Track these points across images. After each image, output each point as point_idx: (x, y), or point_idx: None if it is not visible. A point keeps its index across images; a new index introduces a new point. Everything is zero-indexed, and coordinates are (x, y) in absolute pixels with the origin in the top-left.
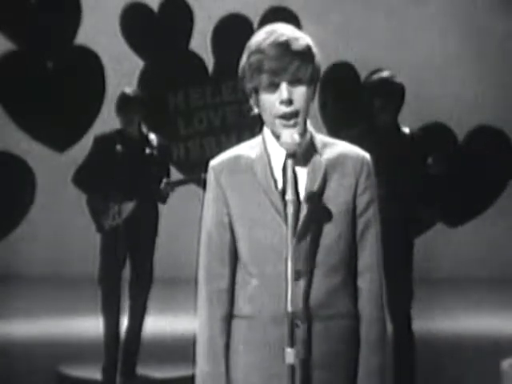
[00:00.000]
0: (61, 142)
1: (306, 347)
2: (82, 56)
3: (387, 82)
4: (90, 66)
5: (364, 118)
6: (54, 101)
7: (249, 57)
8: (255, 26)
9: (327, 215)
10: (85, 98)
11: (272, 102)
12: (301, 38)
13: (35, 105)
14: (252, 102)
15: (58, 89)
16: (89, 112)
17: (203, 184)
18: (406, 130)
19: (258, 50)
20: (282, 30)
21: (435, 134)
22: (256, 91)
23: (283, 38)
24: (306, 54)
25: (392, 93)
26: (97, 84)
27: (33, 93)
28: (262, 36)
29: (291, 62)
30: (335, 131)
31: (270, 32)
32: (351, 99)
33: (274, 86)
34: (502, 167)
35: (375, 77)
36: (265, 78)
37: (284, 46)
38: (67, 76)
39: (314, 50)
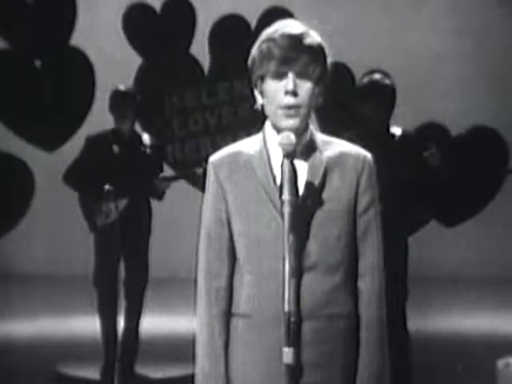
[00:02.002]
0: (50, 142)
1: (302, 346)
2: (72, 56)
3: (378, 84)
4: (80, 65)
5: (356, 120)
6: (42, 101)
7: (260, 45)
8: (253, 26)
9: (327, 213)
10: (74, 98)
11: (277, 91)
12: (314, 36)
13: (24, 105)
14: (256, 92)
15: (48, 89)
16: (78, 112)
17: (196, 180)
18: (399, 130)
19: (270, 39)
20: (297, 25)
21: (431, 133)
22: (262, 79)
23: (297, 31)
24: (317, 52)
25: (382, 95)
26: (86, 84)
27: (22, 92)
28: (276, 27)
29: (301, 55)
30: (330, 133)
31: (284, 25)
32: (346, 101)
33: (281, 75)
34: (497, 167)
35: (366, 79)
36: (273, 66)
37: (296, 39)
38: (56, 76)
39: (326, 51)
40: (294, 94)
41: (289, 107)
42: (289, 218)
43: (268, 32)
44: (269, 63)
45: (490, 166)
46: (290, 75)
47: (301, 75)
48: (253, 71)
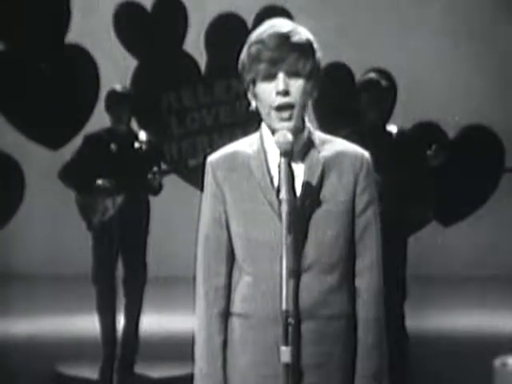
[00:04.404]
0: (55, 140)
1: (300, 346)
2: (76, 55)
3: (377, 83)
4: (84, 64)
5: (354, 118)
6: (47, 99)
7: (249, 48)
8: (249, 25)
9: (325, 213)
10: (79, 96)
11: (268, 92)
12: (302, 33)
13: (28, 104)
14: (250, 95)
15: (52, 87)
16: (83, 111)
17: (189, 172)
18: (395, 128)
19: (258, 41)
20: (284, 24)
21: (426, 132)
22: (254, 83)
23: (284, 30)
24: (306, 48)
25: (380, 93)
26: (91, 83)
27: (26, 92)
28: (263, 28)
29: (290, 53)
30: (326, 131)
31: (271, 25)
32: (344, 99)
33: (271, 77)
34: (493, 166)
35: (366, 77)
36: (263, 68)
37: (283, 38)
38: (61, 75)
39: (315, 45)
40: (286, 93)
41: (281, 108)
42: (286, 217)
43: (256, 33)
44: (258, 66)
45: (486, 165)
46: (280, 75)
47: (291, 74)
48: (244, 75)
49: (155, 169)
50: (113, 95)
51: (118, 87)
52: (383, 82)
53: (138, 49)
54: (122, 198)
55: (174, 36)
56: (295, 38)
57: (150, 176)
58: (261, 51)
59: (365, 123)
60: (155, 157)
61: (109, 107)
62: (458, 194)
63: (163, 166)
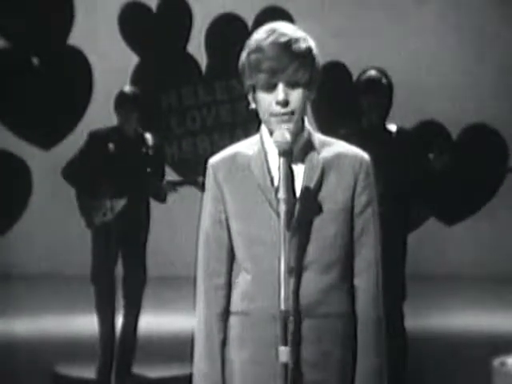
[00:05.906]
0: (47, 140)
1: (298, 345)
2: (69, 55)
3: (375, 81)
4: (77, 64)
5: (353, 118)
6: (40, 99)
7: (248, 54)
8: (249, 25)
9: (323, 213)
10: (71, 96)
11: (268, 102)
12: (302, 40)
13: (21, 102)
14: (250, 98)
15: (45, 87)
16: (75, 110)
17: (200, 187)
18: (394, 127)
19: (258, 49)
20: (284, 30)
21: (429, 132)
22: (254, 89)
23: (284, 39)
24: (306, 57)
25: (380, 91)
26: (84, 82)
27: (19, 90)
28: (263, 35)
29: (290, 64)
30: (326, 131)
31: (271, 31)
32: (343, 99)
33: (271, 86)
34: (496, 166)
35: (364, 75)
36: (262, 78)
37: (284, 47)
38: (54, 74)
39: (315, 52)
40: (286, 103)
41: (281, 115)
42: (285, 217)
43: (256, 39)
44: (258, 75)
45: (490, 165)
46: (280, 86)
47: (291, 84)
48: (244, 80)
49: (168, 179)
50: (122, 96)
51: (127, 88)
52: (384, 80)
53: (141, 48)
54: (122, 200)
55: (178, 36)
56: (295, 47)
57: (163, 185)
58: (261, 60)
59: (365, 122)
60: (159, 159)
61: (117, 107)
62: (461, 194)
63: (171, 172)
